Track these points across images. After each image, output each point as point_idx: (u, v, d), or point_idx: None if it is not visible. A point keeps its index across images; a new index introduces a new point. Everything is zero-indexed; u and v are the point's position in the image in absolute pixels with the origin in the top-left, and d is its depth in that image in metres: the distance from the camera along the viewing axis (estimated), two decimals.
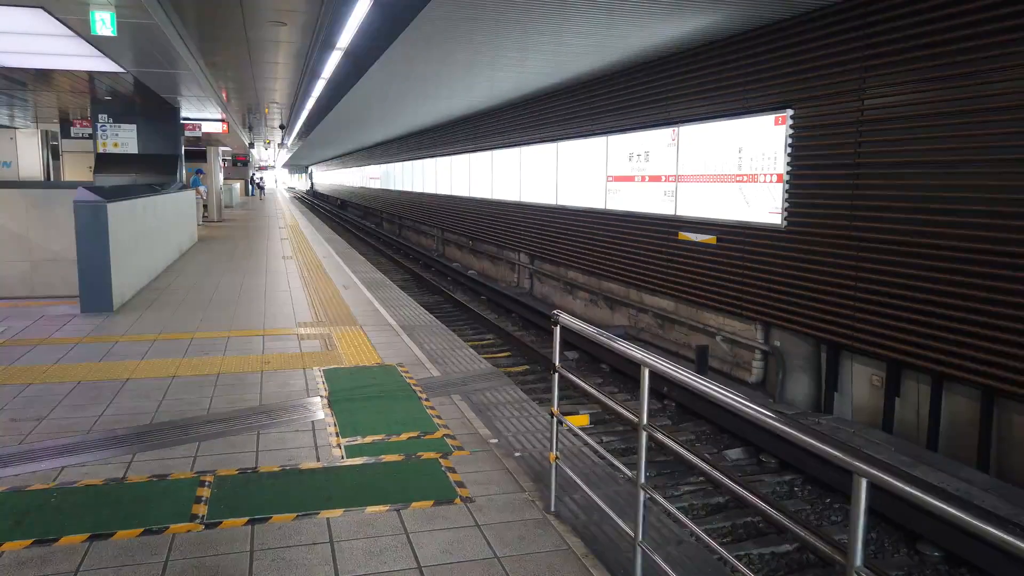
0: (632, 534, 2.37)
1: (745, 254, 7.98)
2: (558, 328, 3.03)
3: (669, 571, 2.23)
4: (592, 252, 11.50)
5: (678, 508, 5.67)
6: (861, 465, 1.40)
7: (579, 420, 7.00)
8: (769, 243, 7.62)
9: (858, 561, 1.44)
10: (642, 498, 2.32)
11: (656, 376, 2.13)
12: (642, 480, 2.32)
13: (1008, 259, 5.29)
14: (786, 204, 7.37)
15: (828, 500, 5.82)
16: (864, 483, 1.42)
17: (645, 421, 2.32)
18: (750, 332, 8.29)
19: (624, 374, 8.74)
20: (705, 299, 8.70)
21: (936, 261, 5.84)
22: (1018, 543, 1.21)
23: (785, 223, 7.40)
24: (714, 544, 2.08)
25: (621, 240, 10.58)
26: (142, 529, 3.04)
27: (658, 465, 6.25)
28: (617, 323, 11.25)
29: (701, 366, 8.57)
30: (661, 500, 2.32)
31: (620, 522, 2.54)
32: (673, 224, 9.29)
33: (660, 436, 2.31)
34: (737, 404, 1.80)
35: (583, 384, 2.92)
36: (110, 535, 3.00)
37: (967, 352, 5.65)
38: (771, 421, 1.67)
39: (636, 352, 2.35)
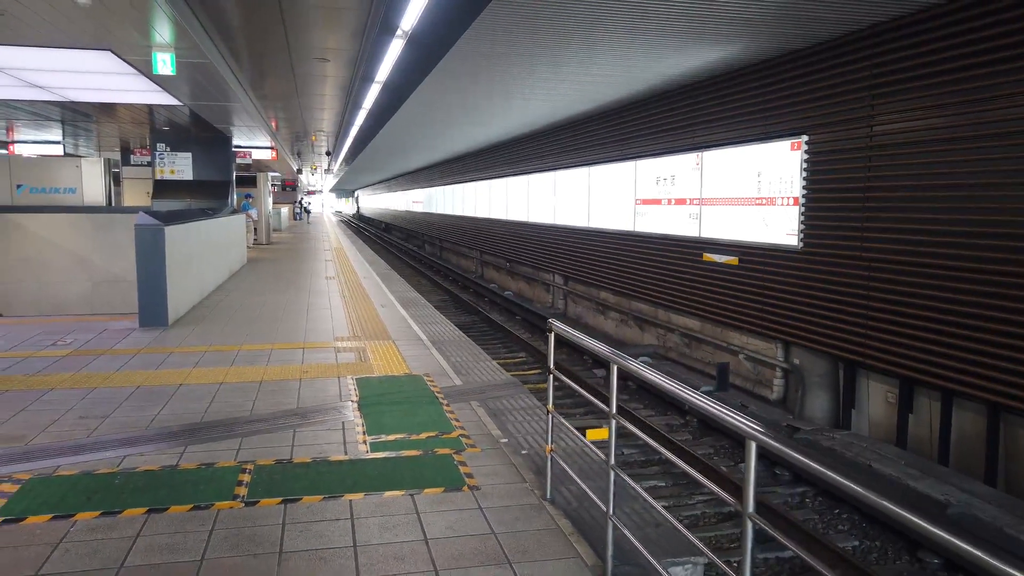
0: (604, 508, 2.74)
1: (765, 274, 8.24)
2: (552, 335, 3.43)
3: (635, 541, 2.59)
4: (622, 273, 11.83)
5: (688, 516, 5.98)
6: (749, 430, 1.76)
7: (598, 434, 7.35)
8: (787, 264, 7.88)
9: (750, 508, 1.79)
10: (612, 477, 2.69)
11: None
12: (612, 461, 2.69)
13: (1011, 279, 5.50)
14: (802, 226, 7.64)
15: (837, 511, 6.04)
16: (753, 445, 1.78)
17: (614, 410, 2.69)
18: (771, 350, 8.53)
19: (647, 390, 9.05)
20: (728, 318, 8.96)
21: (943, 281, 6.06)
22: (866, 492, 1.55)
23: (801, 244, 7.66)
24: (676, 523, 2.43)
25: (649, 261, 10.91)
26: (192, 505, 3.54)
27: (675, 476, 6.60)
28: (646, 342, 11.53)
29: (722, 383, 8.81)
30: (629, 480, 2.69)
31: (598, 500, 2.90)
32: (698, 245, 9.59)
33: (625, 423, 2.68)
34: (666, 385, 2.17)
35: (570, 383, 3.31)
36: (165, 509, 3.50)
37: (974, 369, 5.83)
38: (682, 393, 2.03)
39: (605, 350, 2.74)
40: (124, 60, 7.64)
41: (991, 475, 6.02)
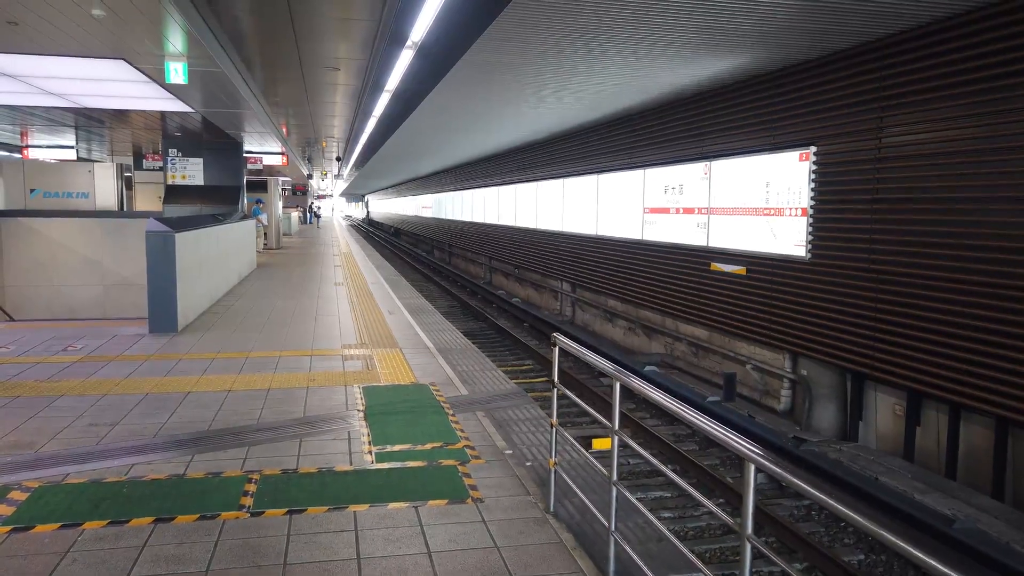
0: (606, 524, 2.75)
1: (773, 285, 8.24)
2: (556, 349, 3.45)
3: (635, 557, 2.60)
4: (630, 281, 11.84)
5: (694, 527, 5.98)
6: (749, 452, 1.77)
7: (603, 443, 7.36)
8: (795, 274, 7.87)
9: (748, 530, 1.80)
10: (614, 493, 2.71)
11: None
12: (614, 477, 2.71)
13: (1019, 292, 5.48)
14: (810, 237, 7.63)
15: (842, 524, 6.03)
16: (752, 468, 1.79)
17: (617, 427, 2.71)
18: (779, 361, 8.51)
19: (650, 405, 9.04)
20: (736, 328, 8.95)
21: (951, 294, 6.04)
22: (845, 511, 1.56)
23: (809, 255, 7.65)
24: (675, 539, 2.44)
25: (657, 270, 10.91)
26: (198, 515, 3.57)
27: (680, 487, 6.57)
28: (654, 351, 11.52)
29: (729, 393, 8.79)
30: (631, 497, 2.70)
31: (599, 515, 2.92)
32: (705, 255, 9.59)
33: (627, 439, 2.70)
34: (668, 404, 2.19)
35: (575, 397, 3.33)
36: (172, 519, 3.53)
37: (982, 383, 5.81)
38: (682, 412, 2.05)
39: (608, 366, 2.75)
40: (137, 69, 7.73)
41: (999, 489, 5.99)
